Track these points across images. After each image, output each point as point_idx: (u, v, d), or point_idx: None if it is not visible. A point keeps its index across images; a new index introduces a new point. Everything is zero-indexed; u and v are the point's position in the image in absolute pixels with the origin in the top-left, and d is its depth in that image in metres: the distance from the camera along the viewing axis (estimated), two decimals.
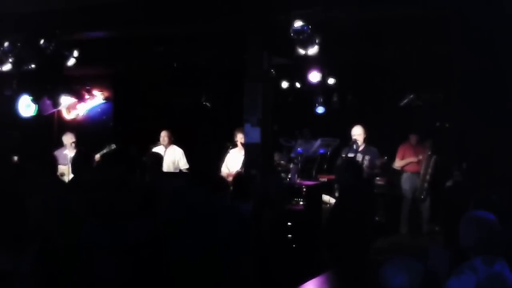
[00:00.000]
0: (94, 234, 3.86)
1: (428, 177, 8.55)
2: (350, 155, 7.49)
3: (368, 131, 7.71)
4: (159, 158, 6.32)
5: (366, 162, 7.47)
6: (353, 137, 7.59)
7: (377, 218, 8.64)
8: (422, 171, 8.61)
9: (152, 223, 4.26)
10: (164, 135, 8.32)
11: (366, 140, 7.66)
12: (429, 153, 8.59)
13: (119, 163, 5.95)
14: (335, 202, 6.36)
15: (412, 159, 8.70)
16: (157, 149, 8.27)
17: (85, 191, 4.50)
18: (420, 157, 8.65)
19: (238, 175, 5.69)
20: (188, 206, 4.06)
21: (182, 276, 3.86)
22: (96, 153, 8.12)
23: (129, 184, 4.67)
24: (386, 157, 7.90)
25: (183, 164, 8.26)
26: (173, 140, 8.40)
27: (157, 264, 4.03)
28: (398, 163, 8.81)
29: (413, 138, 8.84)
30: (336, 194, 7.43)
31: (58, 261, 3.74)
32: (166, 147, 8.29)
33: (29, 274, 2.89)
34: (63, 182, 6.06)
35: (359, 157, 7.49)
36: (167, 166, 8.12)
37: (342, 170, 5.38)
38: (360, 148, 7.57)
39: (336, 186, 7.55)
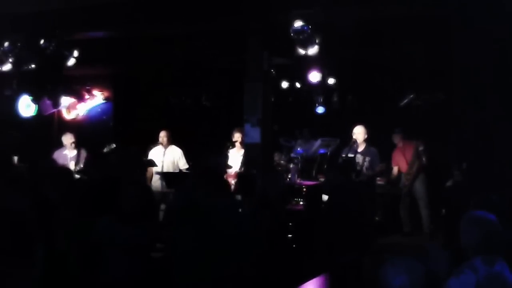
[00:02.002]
0: (107, 231, 3.88)
1: (415, 165, 8.51)
2: (350, 155, 7.48)
3: (369, 132, 7.70)
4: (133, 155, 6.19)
5: (366, 164, 7.46)
6: (354, 136, 7.58)
7: (377, 218, 8.63)
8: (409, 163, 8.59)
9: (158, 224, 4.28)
10: (163, 135, 8.30)
11: (366, 141, 7.65)
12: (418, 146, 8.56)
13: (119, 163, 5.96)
14: (326, 202, 6.34)
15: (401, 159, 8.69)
16: (157, 149, 8.27)
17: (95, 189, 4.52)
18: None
19: (241, 174, 5.69)
20: (192, 207, 4.07)
21: (186, 276, 3.86)
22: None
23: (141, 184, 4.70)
24: (384, 163, 7.88)
25: (183, 164, 8.25)
26: (172, 140, 8.38)
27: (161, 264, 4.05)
28: (394, 171, 8.78)
29: (396, 139, 8.77)
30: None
31: (65, 259, 3.76)
32: (165, 147, 8.28)
33: (32, 274, 2.90)
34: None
35: (360, 158, 7.48)
36: (166, 166, 8.12)
37: (329, 169, 5.41)
38: (361, 149, 7.56)
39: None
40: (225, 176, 6.68)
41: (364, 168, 7.42)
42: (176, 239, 4.04)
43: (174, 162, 8.24)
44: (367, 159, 7.49)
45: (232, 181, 7.32)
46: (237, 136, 7.78)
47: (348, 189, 5.21)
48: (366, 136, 7.59)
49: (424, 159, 8.50)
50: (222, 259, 3.87)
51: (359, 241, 4.93)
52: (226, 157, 7.43)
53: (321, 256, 5.11)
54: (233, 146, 7.93)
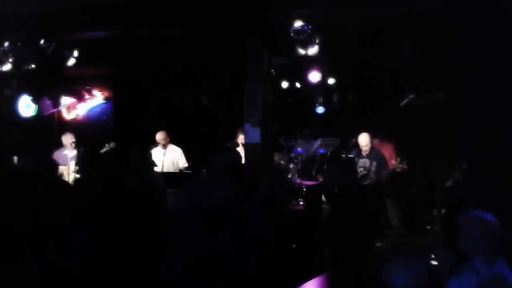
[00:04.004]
0: (79, 235, 3.79)
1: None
2: (352, 156, 7.51)
3: (370, 133, 7.69)
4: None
5: (373, 168, 7.47)
6: (362, 148, 7.55)
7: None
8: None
9: (148, 223, 4.22)
10: (160, 138, 8.26)
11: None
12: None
13: (117, 163, 5.93)
14: (332, 203, 6.35)
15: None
16: (157, 149, 8.26)
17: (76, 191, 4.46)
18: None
19: (245, 171, 5.63)
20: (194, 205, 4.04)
21: (186, 277, 3.83)
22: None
23: (125, 184, 4.63)
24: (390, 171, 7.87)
25: (183, 164, 8.24)
26: (170, 140, 8.35)
27: (154, 265, 3.99)
28: None
29: (375, 141, 8.31)
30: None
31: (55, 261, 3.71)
32: (165, 147, 8.26)
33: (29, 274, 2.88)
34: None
35: (367, 162, 7.49)
36: (166, 166, 8.10)
37: (334, 168, 5.40)
38: (367, 153, 7.56)
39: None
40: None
41: (371, 172, 7.44)
42: (182, 241, 3.99)
43: (174, 162, 8.22)
44: (374, 163, 7.50)
45: None
46: (241, 138, 7.76)
47: (353, 189, 5.21)
48: (371, 143, 7.61)
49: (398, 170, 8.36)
50: (233, 261, 3.83)
51: (361, 241, 4.93)
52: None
53: (322, 255, 5.11)
54: (234, 146, 7.92)
